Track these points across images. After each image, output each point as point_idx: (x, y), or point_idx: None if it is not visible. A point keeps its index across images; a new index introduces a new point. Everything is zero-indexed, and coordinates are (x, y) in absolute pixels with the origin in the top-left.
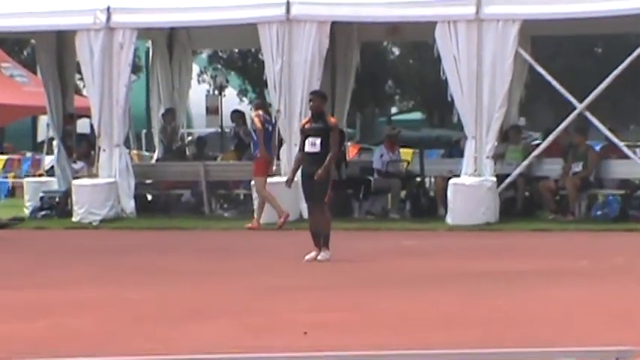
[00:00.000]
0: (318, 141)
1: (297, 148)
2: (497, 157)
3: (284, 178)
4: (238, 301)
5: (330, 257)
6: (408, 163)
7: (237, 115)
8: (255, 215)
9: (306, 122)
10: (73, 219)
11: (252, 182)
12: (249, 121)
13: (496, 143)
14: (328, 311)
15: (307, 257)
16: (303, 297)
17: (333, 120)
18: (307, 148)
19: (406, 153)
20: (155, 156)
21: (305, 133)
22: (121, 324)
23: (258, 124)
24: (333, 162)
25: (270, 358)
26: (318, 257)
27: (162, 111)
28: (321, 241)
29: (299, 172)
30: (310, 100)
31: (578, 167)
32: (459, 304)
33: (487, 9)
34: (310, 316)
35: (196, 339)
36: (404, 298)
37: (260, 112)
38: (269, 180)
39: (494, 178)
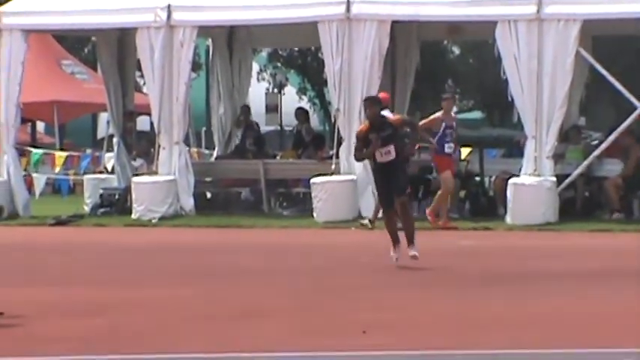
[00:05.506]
0: (391, 148)
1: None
2: (557, 157)
3: (344, 177)
4: (296, 300)
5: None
6: (468, 162)
7: (301, 112)
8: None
9: (367, 130)
10: (133, 216)
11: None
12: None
13: (556, 143)
14: (386, 311)
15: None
16: (361, 296)
17: (394, 118)
18: (380, 159)
19: (465, 152)
20: (215, 154)
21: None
22: (181, 321)
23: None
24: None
25: (328, 357)
26: (413, 253)
27: (224, 108)
28: (398, 238)
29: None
30: (365, 108)
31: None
32: (518, 305)
33: (548, 8)
34: (369, 315)
35: (254, 337)
36: (462, 298)
37: None
38: (330, 178)
39: (554, 178)
